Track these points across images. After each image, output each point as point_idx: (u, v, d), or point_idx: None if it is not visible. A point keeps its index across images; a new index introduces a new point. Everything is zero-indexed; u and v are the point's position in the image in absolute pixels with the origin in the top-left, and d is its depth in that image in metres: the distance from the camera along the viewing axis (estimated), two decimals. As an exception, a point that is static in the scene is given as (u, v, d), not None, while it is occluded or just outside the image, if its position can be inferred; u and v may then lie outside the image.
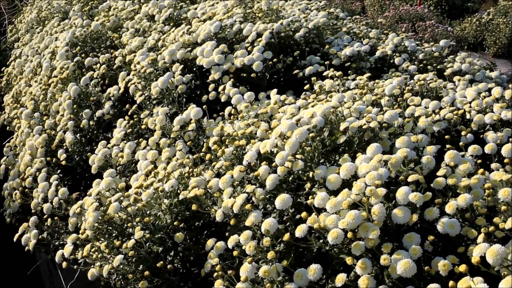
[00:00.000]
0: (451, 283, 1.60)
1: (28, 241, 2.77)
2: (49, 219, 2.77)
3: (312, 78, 3.08)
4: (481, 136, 2.39)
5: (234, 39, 3.58)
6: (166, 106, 3.09)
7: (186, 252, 2.28)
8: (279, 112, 2.65)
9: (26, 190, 3.11)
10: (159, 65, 3.41)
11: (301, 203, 2.08)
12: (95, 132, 3.40)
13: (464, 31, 9.13)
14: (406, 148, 2.03)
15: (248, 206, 2.01)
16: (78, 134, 3.40)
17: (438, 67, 3.46)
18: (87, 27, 4.24)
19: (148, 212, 2.34)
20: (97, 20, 4.35)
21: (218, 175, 2.35)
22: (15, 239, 2.84)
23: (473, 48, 8.88)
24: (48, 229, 2.80)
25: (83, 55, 3.96)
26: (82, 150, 3.31)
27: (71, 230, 2.66)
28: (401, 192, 1.85)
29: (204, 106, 2.91)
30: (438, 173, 1.96)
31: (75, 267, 2.47)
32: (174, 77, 3.21)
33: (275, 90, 3.01)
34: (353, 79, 3.07)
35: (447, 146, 2.12)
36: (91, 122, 3.38)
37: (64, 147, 3.32)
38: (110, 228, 2.36)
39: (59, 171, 3.11)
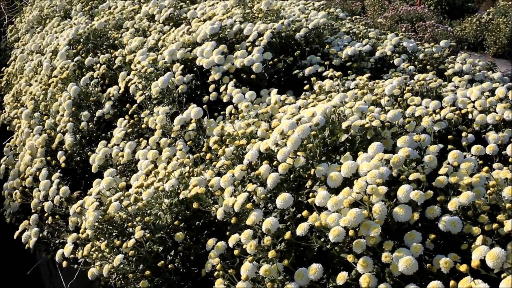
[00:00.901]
0: (452, 282, 1.59)
1: (29, 239, 2.77)
2: (49, 218, 2.76)
3: (312, 78, 3.08)
4: (482, 136, 2.39)
5: (234, 39, 3.58)
6: (166, 106, 3.09)
7: (187, 252, 2.28)
8: (279, 112, 2.65)
9: (26, 190, 3.11)
10: (159, 65, 3.41)
11: (302, 202, 2.08)
12: (94, 134, 3.39)
13: (464, 31, 9.13)
14: (408, 147, 2.03)
15: (249, 205, 2.01)
16: (78, 135, 3.39)
17: (439, 67, 3.46)
18: (90, 25, 4.23)
19: (148, 211, 2.34)
20: (98, 20, 4.34)
21: (219, 174, 2.35)
22: (15, 237, 2.84)
23: (473, 48, 8.88)
24: (49, 227, 2.80)
25: (83, 54, 3.96)
26: (82, 152, 3.31)
27: (71, 229, 2.66)
28: (403, 190, 1.84)
29: (204, 106, 2.91)
30: (440, 172, 1.95)
31: (75, 266, 2.47)
32: (174, 77, 3.21)
33: (275, 90, 3.01)
34: (353, 79, 3.07)
35: (449, 146, 2.12)
36: (90, 125, 3.38)
37: (64, 149, 3.31)
38: (111, 227, 2.35)
39: (59, 170, 3.11)
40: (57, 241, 2.81)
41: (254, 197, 2.10)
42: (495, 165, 2.13)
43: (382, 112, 2.39)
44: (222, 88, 3.15)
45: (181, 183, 2.39)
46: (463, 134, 2.34)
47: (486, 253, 1.63)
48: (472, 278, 1.60)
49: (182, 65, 3.33)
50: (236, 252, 1.99)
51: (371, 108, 2.45)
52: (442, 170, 1.96)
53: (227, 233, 2.13)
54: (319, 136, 2.17)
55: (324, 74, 3.14)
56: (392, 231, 1.86)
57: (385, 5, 9.87)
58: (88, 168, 3.07)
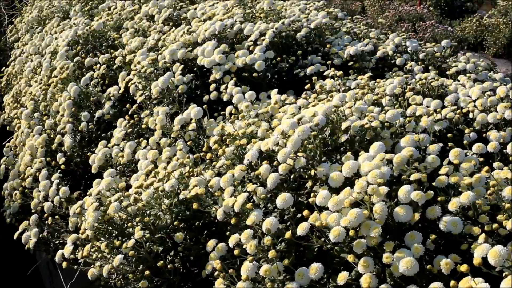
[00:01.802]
0: (452, 282, 1.59)
1: (29, 240, 2.77)
2: (49, 218, 2.76)
3: (313, 78, 3.08)
4: (483, 135, 2.39)
5: (234, 39, 3.58)
6: (166, 106, 3.09)
7: (186, 252, 2.27)
8: (279, 112, 2.64)
9: (26, 190, 3.11)
10: (159, 65, 3.40)
11: (302, 202, 2.08)
12: (94, 134, 3.39)
13: (464, 31, 9.11)
14: (411, 147, 2.03)
15: (249, 205, 2.01)
16: (78, 135, 3.39)
17: (441, 66, 3.45)
18: (89, 26, 4.23)
19: (148, 212, 2.34)
20: (98, 20, 4.34)
21: (219, 174, 2.35)
22: (15, 237, 2.84)
23: (473, 48, 8.87)
24: (49, 228, 2.79)
25: (83, 54, 3.96)
26: (81, 153, 3.30)
27: (71, 229, 2.65)
28: (403, 191, 1.84)
29: (204, 106, 2.91)
30: (441, 171, 1.95)
31: (75, 267, 2.46)
32: (174, 77, 3.20)
33: (275, 90, 3.01)
34: (354, 79, 3.06)
35: (449, 144, 2.12)
36: (90, 125, 3.37)
37: (63, 150, 3.30)
38: (110, 228, 2.35)
39: (59, 171, 3.10)
40: (57, 242, 2.81)
41: (254, 197, 2.10)
42: (495, 165, 2.13)
43: (382, 112, 2.39)
44: (222, 87, 3.14)
45: (181, 183, 2.39)
46: (466, 131, 2.33)
47: (488, 251, 1.63)
48: (473, 278, 1.60)
49: (182, 65, 3.32)
50: (236, 252, 1.99)
51: (371, 108, 2.44)
52: (443, 170, 1.95)
53: (227, 233, 2.12)
54: (319, 136, 2.16)
55: (325, 73, 3.14)
56: (393, 231, 1.85)
57: (385, 5, 9.87)
58: (88, 169, 3.07)
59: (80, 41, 4.13)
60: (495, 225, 1.74)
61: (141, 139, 2.93)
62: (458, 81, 2.99)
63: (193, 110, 2.88)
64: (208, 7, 4.08)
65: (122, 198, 2.37)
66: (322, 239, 1.87)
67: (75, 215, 2.59)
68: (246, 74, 3.20)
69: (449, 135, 2.24)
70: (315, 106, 2.45)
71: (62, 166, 3.14)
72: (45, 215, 2.83)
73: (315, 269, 1.81)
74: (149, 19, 4.27)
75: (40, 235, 2.76)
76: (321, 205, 1.91)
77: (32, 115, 3.70)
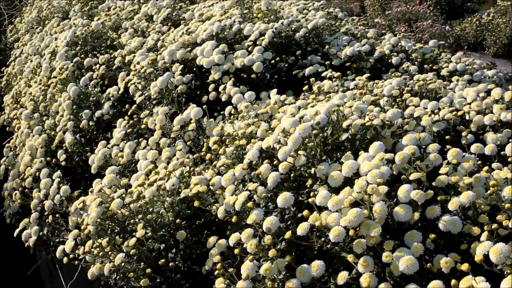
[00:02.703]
0: (453, 281, 1.60)
1: (29, 238, 2.77)
2: (50, 216, 2.77)
3: (311, 79, 3.08)
4: (480, 137, 2.39)
5: (233, 39, 3.58)
6: (166, 106, 3.09)
7: (188, 250, 2.28)
8: (279, 112, 2.65)
9: (26, 190, 3.11)
10: (159, 65, 3.41)
11: (302, 202, 2.09)
12: (94, 132, 3.39)
13: (464, 31, 9.12)
14: (413, 145, 2.04)
15: (249, 204, 2.01)
16: (78, 135, 3.39)
17: (434, 67, 3.46)
18: (88, 26, 4.24)
19: (150, 209, 2.34)
20: (98, 19, 4.34)
21: (219, 174, 2.35)
22: (15, 235, 2.84)
23: (473, 48, 8.88)
24: (49, 226, 2.80)
25: (82, 55, 3.96)
26: (82, 151, 3.31)
27: (71, 228, 2.65)
28: (403, 190, 1.85)
29: (204, 106, 2.91)
30: (441, 171, 1.96)
31: (76, 263, 2.46)
32: (174, 77, 3.21)
33: (275, 90, 3.01)
34: (352, 80, 3.07)
35: (447, 146, 2.13)
36: (90, 123, 3.38)
37: (64, 148, 3.31)
38: (112, 224, 2.35)
39: (59, 170, 3.11)
40: (57, 240, 2.81)
41: (255, 196, 2.11)
42: (494, 165, 2.13)
43: (381, 111, 2.39)
44: (221, 88, 3.15)
45: (182, 182, 2.39)
46: (463, 133, 2.34)
47: (489, 248, 1.64)
48: (474, 277, 1.60)
49: (182, 65, 3.33)
50: (236, 251, 1.99)
51: (370, 107, 2.45)
52: (443, 170, 1.96)
53: (228, 232, 2.13)
54: (320, 135, 2.17)
55: (323, 74, 3.14)
56: (393, 230, 1.86)
57: (385, 5, 9.87)
58: (88, 168, 3.07)
59: (79, 42, 4.13)
60: (494, 225, 1.75)
61: (140, 139, 2.93)
62: (451, 81, 2.99)
63: (192, 110, 2.89)
64: (206, 8, 4.08)
65: (124, 195, 2.38)
66: (322, 239, 1.87)
67: (76, 213, 2.60)
68: (245, 75, 3.21)
69: (447, 137, 2.24)
70: (314, 107, 2.45)
71: (63, 163, 3.14)
72: (46, 213, 2.83)
73: (316, 266, 1.81)
74: (148, 19, 4.27)
75: (40, 233, 2.77)
76: (321, 205, 1.91)
77: (32, 116, 3.71)
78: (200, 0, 4.69)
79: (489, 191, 1.86)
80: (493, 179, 1.92)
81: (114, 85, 3.57)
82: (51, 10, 5.25)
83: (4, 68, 5.11)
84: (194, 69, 3.40)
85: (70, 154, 3.32)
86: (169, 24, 4.11)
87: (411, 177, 1.91)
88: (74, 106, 3.44)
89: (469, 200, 1.82)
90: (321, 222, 1.85)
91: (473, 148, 2.16)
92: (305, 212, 1.91)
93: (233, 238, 2.03)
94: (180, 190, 2.33)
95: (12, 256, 3.34)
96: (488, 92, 2.65)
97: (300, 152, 2.12)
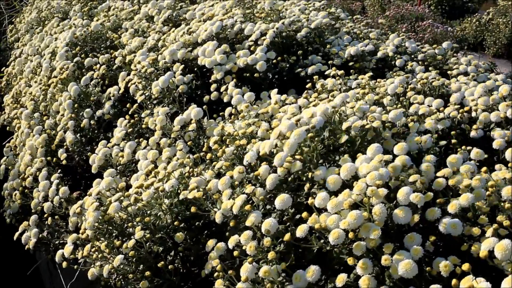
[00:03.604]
0: (454, 281, 1.60)
1: (28, 240, 2.77)
2: (49, 218, 2.77)
3: (314, 77, 3.08)
4: (486, 134, 2.38)
5: (235, 39, 3.58)
6: (166, 106, 3.09)
7: (187, 252, 2.28)
8: (280, 112, 2.64)
9: (26, 190, 3.11)
10: (159, 65, 3.41)
11: (301, 203, 2.08)
12: (95, 132, 3.39)
13: (464, 31, 9.12)
14: (405, 155, 2.02)
15: (247, 207, 2.01)
16: (79, 134, 3.39)
17: (443, 68, 3.44)
18: (87, 27, 4.23)
19: (148, 212, 2.34)
20: (97, 20, 4.34)
21: (219, 175, 2.35)
22: (15, 238, 2.84)
23: (473, 48, 8.88)
24: (49, 228, 2.80)
25: (82, 55, 3.96)
26: (83, 150, 3.31)
27: (71, 229, 2.66)
28: (402, 193, 1.84)
29: (204, 106, 2.91)
30: (439, 174, 1.95)
31: (75, 267, 2.47)
32: (175, 77, 3.20)
33: (275, 90, 3.01)
34: (355, 79, 3.06)
35: (453, 141, 2.11)
36: (91, 122, 3.38)
37: (65, 147, 3.31)
38: (110, 228, 2.35)
39: (59, 170, 3.11)
40: (56, 242, 2.81)
41: (253, 198, 2.10)
42: (497, 166, 2.11)
43: (384, 112, 2.38)
44: (223, 88, 3.14)
45: (181, 183, 2.39)
46: (473, 127, 2.33)
47: (495, 244, 1.64)
48: (474, 277, 1.60)
49: (183, 65, 3.32)
50: (235, 253, 1.99)
51: (373, 108, 2.42)
52: (441, 173, 1.96)
53: (227, 234, 2.13)
54: (316, 139, 2.15)
55: (326, 73, 3.14)
56: (392, 233, 1.85)
57: (385, 5, 9.87)
58: (88, 168, 3.07)
59: (79, 43, 4.13)
60: (495, 226, 1.74)
61: (141, 139, 2.93)
62: (458, 81, 2.98)
63: (193, 111, 2.88)
64: (207, 7, 4.08)
65: (122, 198, 2.38)
66: (321, 241, 1.87)
67: (75, 215, 2.60)
68: (247, 74, 3.20)
69: (452, 132, 2.23)
70: (315, 106, 2.44)
71: (64, 162, 3.14)
72: (45, 215, 2.83)
73: (312, 271, 1.81)
74: (148, 20, 4.27)
75: (40, 235, 2.77)
76: (320, 207, 1.91)
77: (32, 115, 3.71)
78: (201, 0, 4.68)
79: (488, 192, 1.85)
80: (492, 180, 1.91)
81: (114, 84, 3.56)
82: (51, 11, 5.25)
83: (4, 68, 5.11)
84: (195, 69, 3.39)
85: (71, 153, 3.31)
86: (169, 24, 4.11)
87: (410, 179, 1.91)
88: (75, 105, 3.44)
89: (468, 202, 1.81)
90: (320, 224, 1.85)
91: (473, 154, 2.12)
92: (304, 214, 1.91)
93: (232, 241, 2.02)
94: (179, 191, 2.33)
95: (12, 256, 3.34)
96: (496, 90, 2.64)
97: (296, 156, 2.11)
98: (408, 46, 3.67)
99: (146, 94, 3.27)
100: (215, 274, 1.97)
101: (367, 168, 1.94)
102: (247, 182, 2.22)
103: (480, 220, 1.82)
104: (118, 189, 2.53)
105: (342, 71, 3.00)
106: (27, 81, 4.32)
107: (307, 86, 2.98)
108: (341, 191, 1.90)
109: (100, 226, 2.35)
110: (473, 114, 2.52)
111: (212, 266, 2.08)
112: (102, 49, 4.07)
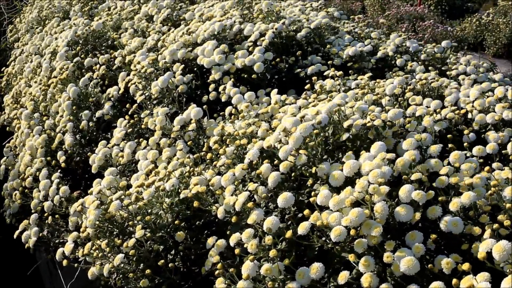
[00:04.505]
0: (454, 281, 1.59)
1: (28, 239, 2.77)
2: (49, 217, 2.76)
3: (313, 78, 3.07)
4: (482, 136, 2.38)
5: (234, 40, 3.58)
6: (166, 106, 3.09)
7: (187, 251, 2.28)
8: (279, 112, 2.64)
9: (26, 190, 3.10)
10: (159, 65, 3.40)
11: (302, 202, 2.08)
12: (94, 133, 3.39)
13: (464, 31, 9.12)
14: (413, 150, 2.02)
15: (250, 204, 2.01)
16: (78, 135, 3.39)
17: (442, 68, 3.44)
18: (89, 26, 4.23)
19: (149, 210, 2.34)
20: (98, 20, 4.34)
21: (219, 174, 2.35)
22: (15, 236, 2.84)
23: (473, 48, 8.87)
24: (49, 227, 2.79)
25: (83, 55, 3.96)
26: (82, 152, 3.30)
27: (71, 229, 2.65)
28: (404, 190, 1.84)
29: (204, 106, 2.91)
30: (441, 172, 1.95)
31: (76, 265, 2.46)
32: (174, 77, 3.20)
33: (275, 90, 3.00)
34: (354, 79, 3.06)
35: (450, 145, 2.12)
36: (90, 123, 3.37)
37: (64, 149, 3.30)
38: (111, 226, 2.35)
39: (59, 170, 3.10)
40: (57, 241, 2.80)
41: (255, 196, 2.10)
42: (494, 165, 2.12)
43: (382, 111, 2.39)
44: (221, 88, 3.14)
45: (182, 182, 2.39)
46: (465, 132, 2.33)
47: (493, 245, 1.64)
48: (474, 277, 1.60)
49: (183, 65, 3.32)
50: (237, 251, 1.99)
51: (372, 107, 2.44)
52: (443, 170, 1.95)
53: (228, 232, 2.12)
54: (321, 134, 2.16)
55: (325, 73, 3.13)
56: (394, 231, 1.85)
57: (385, 5, 9.87)
58: (88, 168, 3.07)
59: (80, 41, 4.13)
60: (495, 225, 1.74)
61: (141, 139, 2.93)
62: (458, 81, 2.98)
63: (193, 111, 2.88)
64: (206, 8, 4.08)
65: (123, 196, 2.38)
66: (323, 239, 1.87)
67: (76, 214, 2.60)
68: (245, 75, 3.20)
69: (449, 135, 2.23)
70: (315, 106, 2.45)
71: (63, 165, 3.14)
72: (45, 214, 2.83)
73: (315, 268, 1.81)
74: (148, 20, 4.26)
75: (40, 234, 2.76)
76: (322, 205, 1.91)
77: (32, 116, 3.70)
78: (200, 0, 4.68)
79: (490, 191, 1.85)
80: (494, 179, 1.91)
81: (114, 85, 3.56)
82: (51, 10, 5.25)
83: (4, 68, 5.11)
84: (195, 69, 3.39)
85: (70, 155, 3.31)
86: (169, 24, 4.11)
87: (413, 177, 1.91)
88: (74, 107, 3.43)
89: (470, 201, 1.81)
90: (322, 221, 1.84)
91: (475, 150, 2.14)
92: (306, 212, 1.91)
93: (234, 238, 2.02)
94: (179, 190, 2.32)
95: (12, 255, 3.34)
96: (492, 91, 2.64)
97: (301, 151, 2.12)
98: (408, 45, 3.66)
99: (146, 94, 3.27)
100: (216, 272, 1.96)
101: (370, 165, 1.94)
102: (249, 180, 2.21)
103: (482, 219, 1.82)
104: (119, 188, 2.52)
105: (340, 72, 3.00)
106: (27, 81, 4.31)
107: (305, 87, 2.98)
108: (344, 188, 1.90)
109: (101, 225, 2.34)
110: (469, 115, 2.52)
111: (212, 263, 2.07)
112: (103, 48, 4.07)
